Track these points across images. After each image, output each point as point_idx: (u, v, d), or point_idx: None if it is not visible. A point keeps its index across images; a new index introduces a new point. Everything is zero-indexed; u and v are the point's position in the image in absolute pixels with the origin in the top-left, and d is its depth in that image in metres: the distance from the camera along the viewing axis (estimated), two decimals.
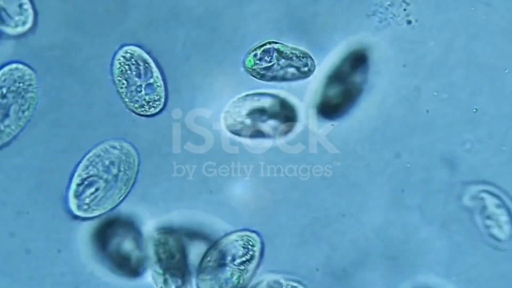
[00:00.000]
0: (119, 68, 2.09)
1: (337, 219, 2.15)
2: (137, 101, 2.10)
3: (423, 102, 2.13)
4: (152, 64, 2.11)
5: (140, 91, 2.09)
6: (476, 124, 2.14)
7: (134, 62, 2.08)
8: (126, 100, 2.10)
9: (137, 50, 2.10)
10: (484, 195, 2.14)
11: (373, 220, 2.15)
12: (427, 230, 2.15)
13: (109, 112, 2.13)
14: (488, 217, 2.15)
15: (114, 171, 2.10)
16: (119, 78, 2.09)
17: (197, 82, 2.12)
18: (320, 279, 2.15)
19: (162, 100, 2.11)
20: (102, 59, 2.11)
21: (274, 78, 2.10)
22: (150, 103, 2.10)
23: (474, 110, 2.08)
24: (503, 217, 2.15)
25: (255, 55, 2.08)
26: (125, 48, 2.10)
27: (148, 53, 2.11)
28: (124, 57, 2.10)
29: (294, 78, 2.11)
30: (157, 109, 2.11)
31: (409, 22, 2.11)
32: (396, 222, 2.15)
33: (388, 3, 2.11)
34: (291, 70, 2.10)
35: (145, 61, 2.11)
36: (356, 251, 2.16)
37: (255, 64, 2.05)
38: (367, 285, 2.16)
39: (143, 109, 2.10)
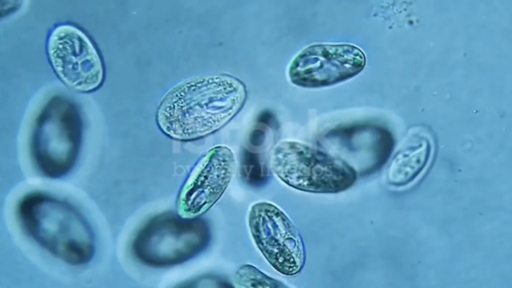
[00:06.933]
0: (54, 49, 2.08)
1: (337, 219, 2.15)
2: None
3: (423, 102, 2.13)
4: (88, 41, 2.10)
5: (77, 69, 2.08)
6: (476, 124, 2.14)
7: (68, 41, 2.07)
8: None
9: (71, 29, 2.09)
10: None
11: (373, 220, 2.15)
12: (427, 230, 2.15)
13: None
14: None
15: None
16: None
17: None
18: (320, 278, 2.16)
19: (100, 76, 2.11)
20: None
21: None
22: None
23: (474, 111, 2.08)
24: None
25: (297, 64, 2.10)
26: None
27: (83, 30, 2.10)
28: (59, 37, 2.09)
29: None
30: (95, 85, 2.10)
31: (410, 22, 2.11)
32: (396, 222, 2.15)
33: (389, 2, 2.11)
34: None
35: (80, 39, 2.09)
36: (356, 251, 2.16)
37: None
38: (367, 285, 2.16)
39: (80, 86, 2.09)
